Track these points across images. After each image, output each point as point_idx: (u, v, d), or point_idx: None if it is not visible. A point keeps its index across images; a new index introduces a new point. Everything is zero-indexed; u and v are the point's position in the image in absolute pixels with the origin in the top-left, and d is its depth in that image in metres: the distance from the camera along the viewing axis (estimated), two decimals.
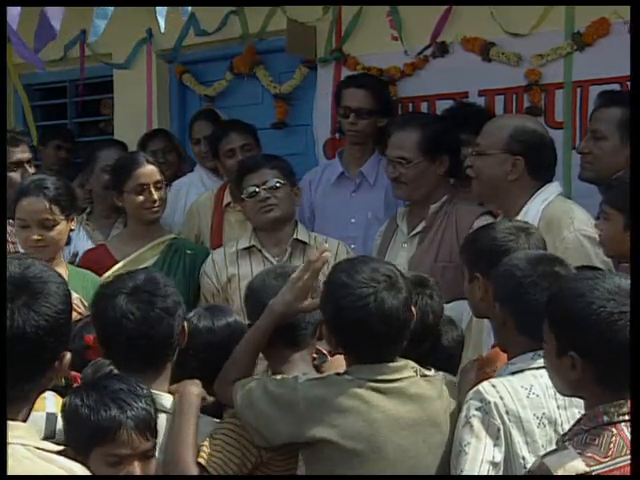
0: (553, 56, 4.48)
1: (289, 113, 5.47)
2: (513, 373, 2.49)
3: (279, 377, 2.59)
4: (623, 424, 2.04)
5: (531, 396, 2.43)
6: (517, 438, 2.41)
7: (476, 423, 2.41)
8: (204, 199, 4.73)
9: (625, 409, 2.05)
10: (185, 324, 2.71)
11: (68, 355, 1.95)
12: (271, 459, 2.61)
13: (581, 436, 2.05)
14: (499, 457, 2.39)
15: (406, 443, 2.46)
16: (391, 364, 2.50)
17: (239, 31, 5.50)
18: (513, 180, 3.52)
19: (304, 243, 3.93)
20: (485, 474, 2.36)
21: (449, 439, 2.50)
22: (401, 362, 2.53)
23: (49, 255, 3.56)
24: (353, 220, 4.50)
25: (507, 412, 2.42)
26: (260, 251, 3.91)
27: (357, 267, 2.52)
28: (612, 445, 2.02)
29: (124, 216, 4.71)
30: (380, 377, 2.48)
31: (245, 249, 3.95)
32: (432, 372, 2.60)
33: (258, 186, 3.90)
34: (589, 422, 2.07)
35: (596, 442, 2.03)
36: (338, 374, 2.53)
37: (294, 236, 3.93)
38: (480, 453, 2.38)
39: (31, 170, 4.34)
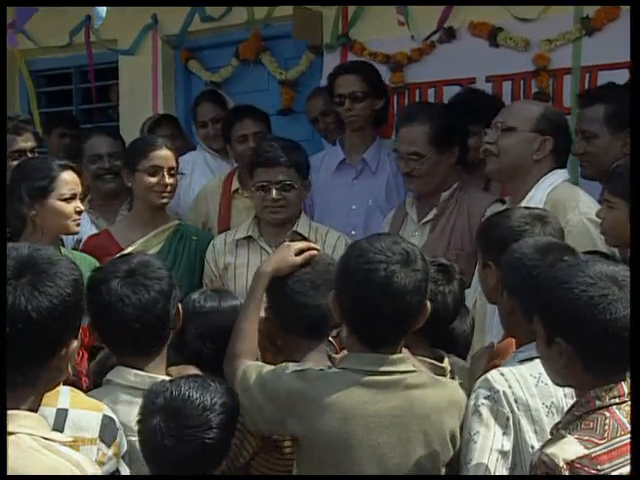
0: (562, 41, 4.46)
1: (295, 99, 5.46)
2: (521, 361, 2.46)
3: (283, 364, 2.54)
4: (615, 407, 2.07)
5: (540, 385, 2.40)
6: (526, 427, 2.38)
7: (485, 412, 2.38)
8: (212, 185, 4.70)
9: (616, 392, 2.08)
10: (179, 306, 2.70)
11: (75, 343, 1.92)
12: (267, 448, 2.59)
13: (575, 423, 2.08)
14: (508, 446, 2.36)
15: (387, 442, 2.33)
16: (387, 356, 2.37)
17: (245, 17, 5.47)
18: (536, 160, 3.50)
19: (303, 236, 3.84)
20: (494, 463, 2.33)
21: (443, 439, 2.40)
22: (399, 355, 2.40)
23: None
24: (354, 207, 4.47)
25: (516, 401, 2.39)
26: (257, 242, 3.86)
27: (380, 237, 2.45)
28: (607, 427, 2.04)
29: (129, 200, 4.70)
30: (370, 369, 2.35)
31: (244, 238, 3.91)
32: (445, 363, 2.52)
33: (270, 183, 3.79)
34: (581, 408, 2.09)
35: (591, 426, 2.05)
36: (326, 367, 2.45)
37: (293, 228, 3.87)
38: (489, 442, 2.35)
39: None
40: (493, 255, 2.70)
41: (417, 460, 2.36)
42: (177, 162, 4.11)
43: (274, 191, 3.78)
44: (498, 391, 2.39)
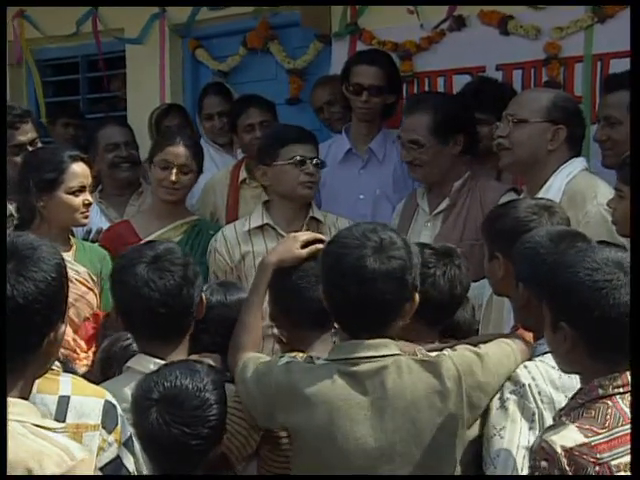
0: (573, 29, 4.41)
1: (303, 89, 5.41)
2: (543, 354, 2.43)
3: (279, 356, 2.53)
4: (618, 396, 2.07)
5: (563, 377, 2.36)
6: (550, 421, 2.34)
7: (512, 406, 2.35)
8: (219, 176, 4.69)
9: (619, 382, 2.07)
10: (203, 295, 2.71)
11: (63, 327, 1.93)
12: (268, 440, 2.58)
13: (577, 410, 2.08)
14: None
15: (371, 434, 2.30)
16: (366, 341, 2.33)
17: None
18: (551, 150, 3.45)
19: (319, 221, 3.86)
20: (522, 460, 2.29)
21: (431, 428, 2.32)
22: (380, 340, 2.34)
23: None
24: (362, 197, 4.45)
25: (540, 394, 2.37)
26: (274, 229, 3.82)
27: (361, 224, 2.45)
28: (608, 416, 2.04)
29: (139, 192, 4.69)
30: (351, 356, 2.33)
31: (258, 227, 3.87)
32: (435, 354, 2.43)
33: (306, 158, 3.78)
34: (584, 396, 2.09)
35: (592, 414, 2.05)
36: (311, 358, 2.45)
37: (311, 214, 3.86)
38: (516, 438, 2.32)
39: None
40: (500, 247, 2.67)
41: (405, 451, 2.31)
42: (197, 161, 4.09)
43: (311, 166, 3.79)
44: (524, 385, 2.37)
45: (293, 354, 2.55)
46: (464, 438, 2.36)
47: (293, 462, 2.45)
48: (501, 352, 2.45)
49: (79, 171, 3.63)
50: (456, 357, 2.39)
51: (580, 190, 3.34)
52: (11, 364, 1.84)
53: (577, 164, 3.47)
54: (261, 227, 3.85)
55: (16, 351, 1.85)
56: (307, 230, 3.68)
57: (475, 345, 2.48)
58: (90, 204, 3.66)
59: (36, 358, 1.90)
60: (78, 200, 3.61)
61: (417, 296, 2.39)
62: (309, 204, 3.92)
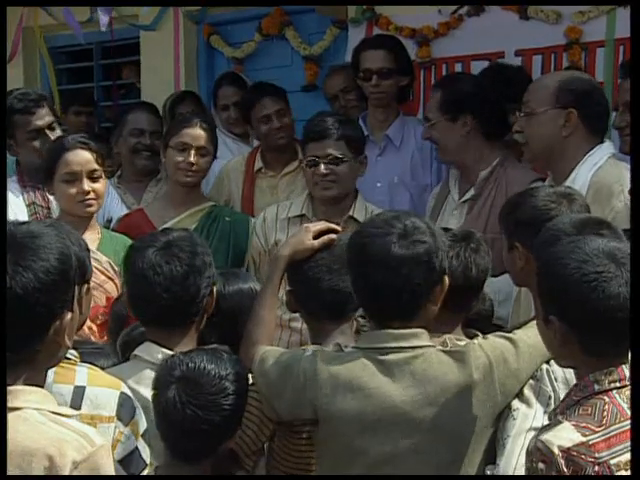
0: (595, 13, 4.37)
1: (319, 75, 5.37)
2: None
3: (302, 347, 2.54)
4: (615, 391, 2.02)
5: None
6: None
7: (527, 390, 2.34)
8: (235, 164, 4.64)
9: (615, 376, 2.02)
10: (214, 288, 2.67)
11: (69, 315, 1.90)
12: (283, 432, 2.56)
13: (573, 408, 2.03)
14: None
15: (399, 421, 2.29)
16: (396, 331, 2.32)
17: None
18: (568, 136, 3.32)
19: (357, 221, 3.70)
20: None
21: (459, 417, 2.31)
22: (411, 330, 2.33)
23: (97, 209, 3.64)
24: (379, 184, 4.40)
25: (556, 379, 2.35)
26: (311, 221, 3.68)
27: (385, 213, 2.46)
28: (605, 413, 1.99)
29: (157, 178, 4.65)
30: (380, 345, 2.33)
31: (297, 216, 3.80)
32: (464, 342, 2.43)
33: (319, 158, 3.70)
34: (580, 392, 2.04)
35: (589, 412, 2.00)
36: (339, 345, 2.44)
37: (350, 213, 3.77)
38: (529, 420, 2.31)
39: (57, 132, 4.09)
40: (520, 236, 2.63)
41: (434, 440, 2.30)
42: (214, 144, 4.03)
43: (322, 166, 3.70)
44: (542, 369, 2.36)
45: (314, 347, 2.52)
46: (491, 427, 2.35)
47: (318, 451, 2.45)
48: (536, 335, 2.39)
49: (71, 159, 3.57)
50: (487, 345, 2.38)
51: (607, 184, 3.20)
52: (17, 355, 1.83)
53: (604, 150, 3.32)
54: (300, 217, 3.78)
55: (21, 341, 1.83)
56: (344, 227, 3.56)
57: (510, 331, 2.46)
58: (89, 192, 3.58)
59: (44, 348, 1.88)
60: (72, 189, 3.56)
61: (446, 279, 2.38)
62: (354, 197, 3.82)
